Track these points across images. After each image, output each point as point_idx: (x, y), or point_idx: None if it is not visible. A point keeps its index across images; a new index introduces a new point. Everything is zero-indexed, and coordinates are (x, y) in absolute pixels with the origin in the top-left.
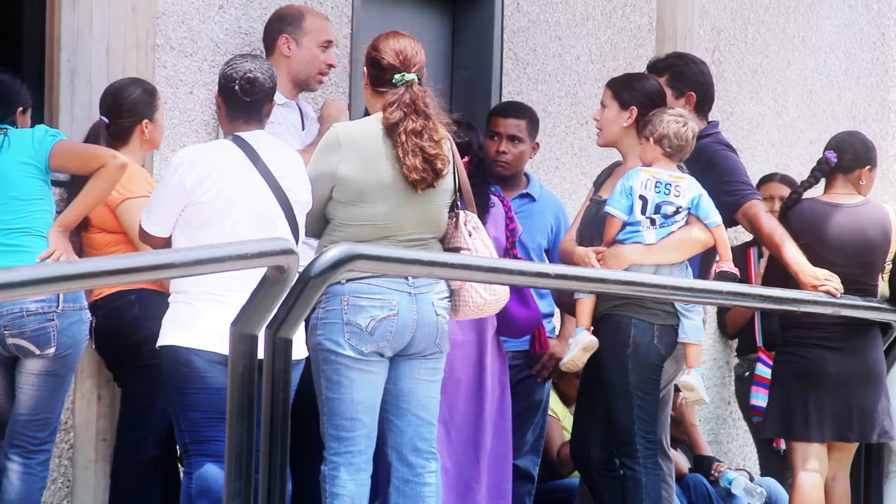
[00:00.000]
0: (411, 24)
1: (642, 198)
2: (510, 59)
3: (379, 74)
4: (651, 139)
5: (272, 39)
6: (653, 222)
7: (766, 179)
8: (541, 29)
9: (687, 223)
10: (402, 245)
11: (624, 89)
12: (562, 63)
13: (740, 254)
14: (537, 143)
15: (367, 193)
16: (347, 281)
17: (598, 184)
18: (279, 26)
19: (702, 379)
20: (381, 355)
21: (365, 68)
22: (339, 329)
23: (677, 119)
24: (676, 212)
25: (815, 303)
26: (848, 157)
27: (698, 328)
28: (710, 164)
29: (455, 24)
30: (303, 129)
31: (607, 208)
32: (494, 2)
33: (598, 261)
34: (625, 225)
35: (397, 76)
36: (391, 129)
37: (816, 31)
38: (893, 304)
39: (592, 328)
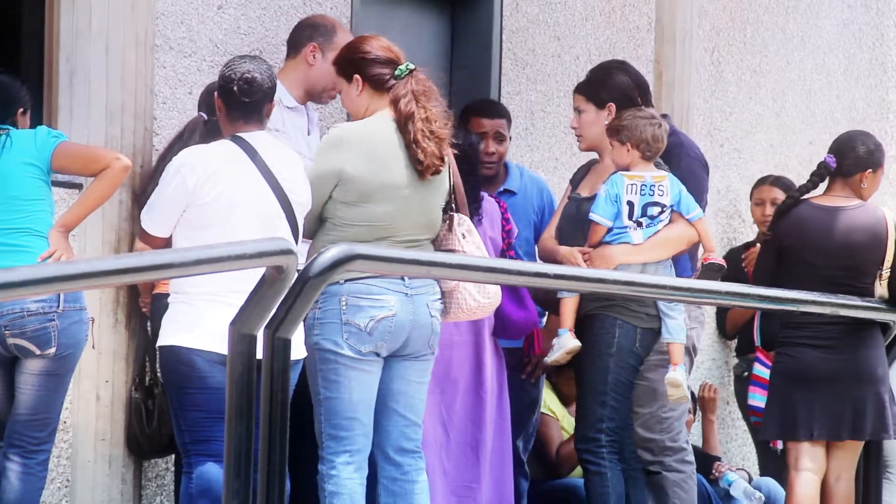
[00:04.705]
0: (410, 24)
1: (629, 203)
2: (509, 59)
3: (380, 72)
4: (628, 144)
5: (300, 44)
6: (640, 224)
7: (759, 183)
8: (540, 29)
9: (670, 220)
10: (399, 246)
11: (597, 89)
12: (561, 63)
13: (741, 253)
14: (510, 136)
15: (372, 193)
16: (346, 281)
17: (576, 182)
18: (310, 33)
19: (686, 376)
20: (378, 355)
21: (356, 77)
22: (338, 329)
23: (652, 122)
24: (662, 211)
25: (815, 303)
26: (848, 163)
27: (681, 327)
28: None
29: (454, 24)
30: (308, 135)
31: (592, 216)
32: (493, 2)
33: (585, 261)
34: (610, 229)
35: (401, 67)
36: (407, 120)
37: (815, 31)
38: (891, 305)
39: (575, 327)
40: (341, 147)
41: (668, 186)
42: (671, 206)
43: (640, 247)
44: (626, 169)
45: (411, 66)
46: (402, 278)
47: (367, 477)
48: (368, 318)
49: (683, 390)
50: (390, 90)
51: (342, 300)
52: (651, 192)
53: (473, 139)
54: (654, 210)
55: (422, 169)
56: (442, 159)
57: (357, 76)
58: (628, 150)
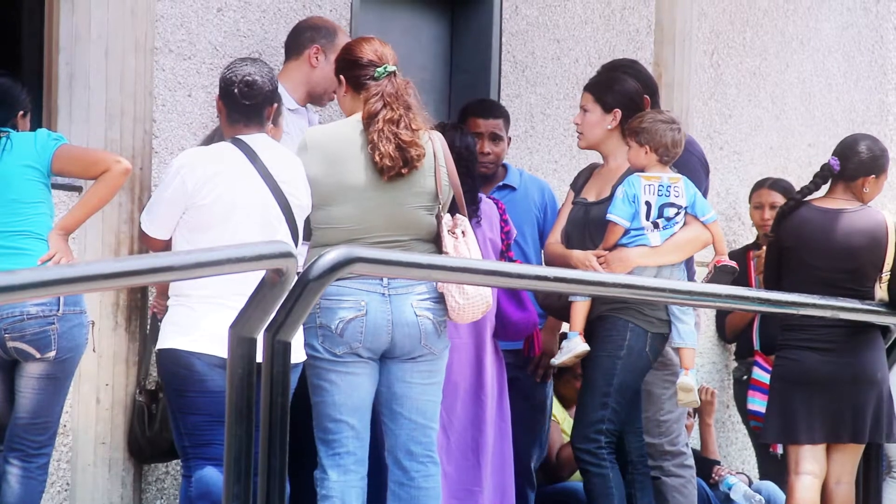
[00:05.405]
0: (410, 27)
1: (647, 203)
2: (509, 61)
3: (360, 73)
4: (647, 146)
5: (301, 46)
6: (656, 225)
7: (757, 186)
8: (539, 32)
9: (685, 223)
10: (379, 247)
11: (605, 92)
12: (560, 66)
13: (740, 256)
14: (510, 138)
15: (331, 195)
16: None
17: (577, 186)
18: (312, 35)
19: (695, 381)
20: (359, 356)
21: (341, 77)
22: (314, 332)
23: (672, 127)
24: (677, 212)
25: (814, 305)
26: (851, 166)
27: (692, 332)
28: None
29: (454, 26)
30: None
31: (610, 216)
32: (493, 4)
33: (601, 264)
34: (627, 230)
35: (379, 69)
36: (370, 119)
37: (815, 33)
38: (890, 308)
39: (585, 329)
40: (304, 150)
41: (682, 188)
42: (685, 207)
43: (658, 249)
44: (641, 170)
45: (391, 69)
46: (381, 279)
47: (378, 479)
48: (338, 319)
49: (694, 395)
50: (366, 90)
51: (317, 304)
52: (667, 193)
53: (469, 141)
54: (670, 211)
55: (378, 170)
56: (404, 161)
57: (342, 77)
58: (646, 153)
